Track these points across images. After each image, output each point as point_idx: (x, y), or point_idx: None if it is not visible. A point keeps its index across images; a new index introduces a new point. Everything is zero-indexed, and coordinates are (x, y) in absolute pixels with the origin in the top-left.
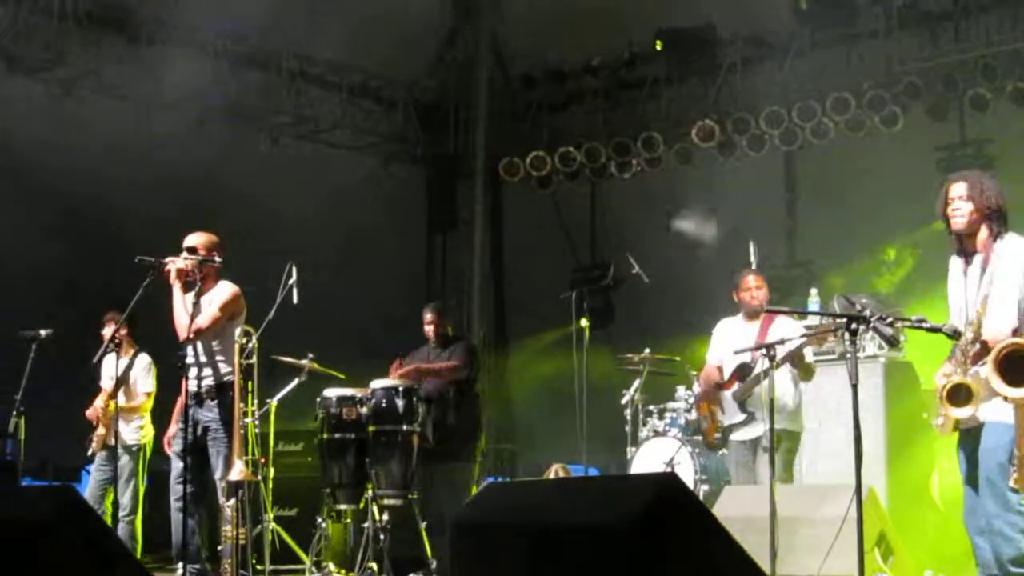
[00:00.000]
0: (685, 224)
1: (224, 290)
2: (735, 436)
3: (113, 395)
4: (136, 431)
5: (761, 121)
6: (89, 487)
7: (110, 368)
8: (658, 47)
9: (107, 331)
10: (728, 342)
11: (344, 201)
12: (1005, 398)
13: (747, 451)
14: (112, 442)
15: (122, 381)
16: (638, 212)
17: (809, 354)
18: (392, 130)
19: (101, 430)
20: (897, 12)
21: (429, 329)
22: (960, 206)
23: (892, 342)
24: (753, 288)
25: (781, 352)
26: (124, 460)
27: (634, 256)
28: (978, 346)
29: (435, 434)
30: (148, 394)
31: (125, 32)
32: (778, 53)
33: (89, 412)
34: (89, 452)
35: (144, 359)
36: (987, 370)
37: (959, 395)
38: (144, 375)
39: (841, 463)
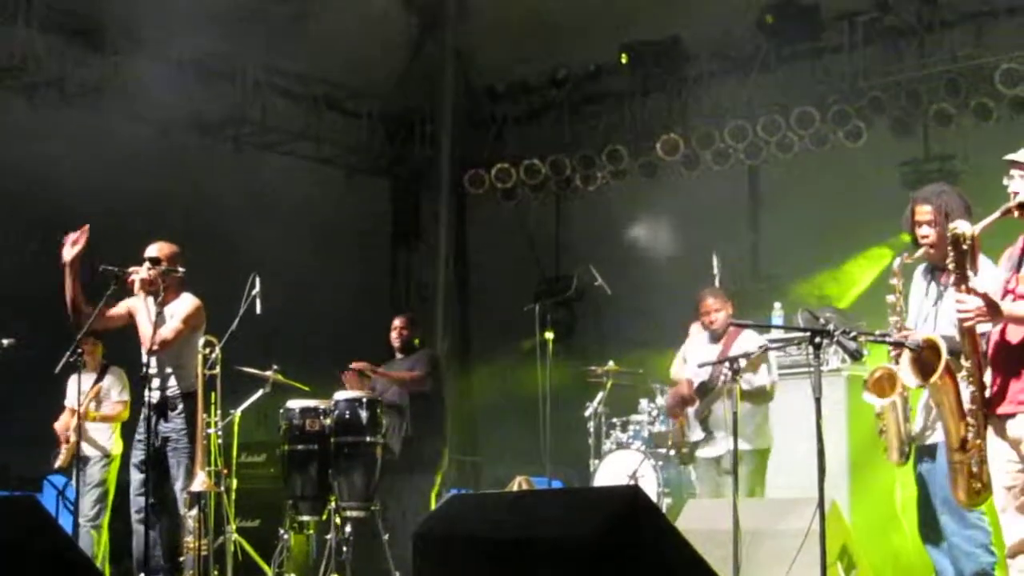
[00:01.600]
0: (649, 237)
1: (186, 302)
2: (700, 453)
3: (83, 408)
4: (108, 440)
5: (726, 135)
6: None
7: (76, 385)
8: (623, 60)
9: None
10: (695, 357)
11: (308, 212)
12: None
13: (712, 468)
14: (87, 453)
15: (93, 394)
16: (603, 225)
17: (757, 379)
18: (357, 141)
19: (73, 438)
20: (862, 27)
21: (394, 336)
22: (928, 232)
23: (856, 356)
24: (712, 311)
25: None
26: (95, 468)
27: (598, 269)
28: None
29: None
30: (124, 403)
31: (91, 40)
32: (743, 67)
33: (58, 426)
34: (56, 464)
35: (115, 371)
36: (902, 363)
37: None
38: (117, 386)
39: (803, 477)
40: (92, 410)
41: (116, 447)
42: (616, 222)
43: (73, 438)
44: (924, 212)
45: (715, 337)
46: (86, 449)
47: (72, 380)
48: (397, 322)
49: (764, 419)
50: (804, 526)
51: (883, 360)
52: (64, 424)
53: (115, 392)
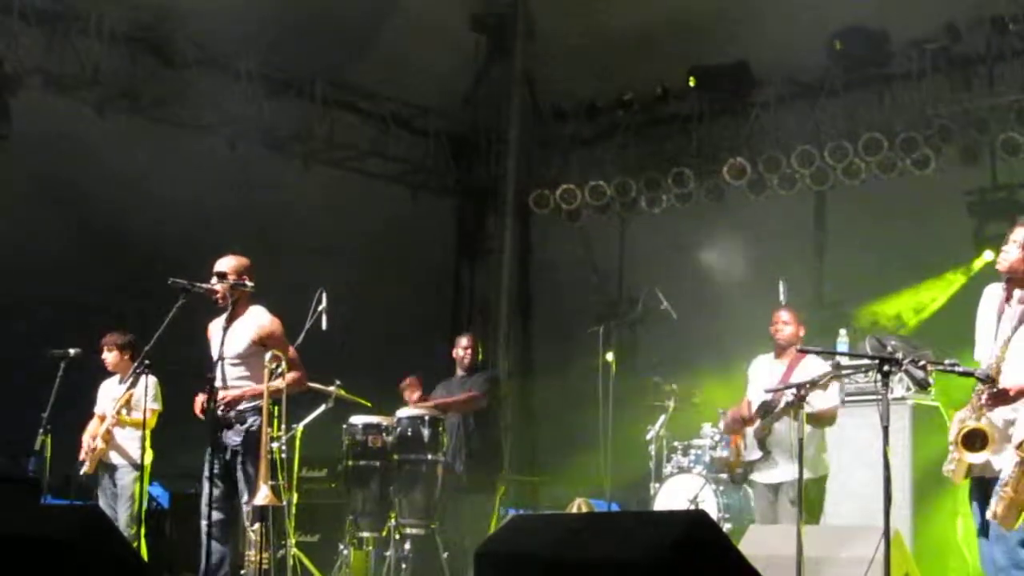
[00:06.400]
0: (714, 261)
1: (263, 319)
2: (757, 477)
3: (114, 415)
4: (137, 450)
5: (793, 160)
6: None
7: (109, 391)
8: (691, 83)
9: (107, 355)
10: (758, 379)
11: (374, 229)
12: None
13: (770, 494)
14: (114, 461)
15: (124, 401)
16: (667, 248)
17: (819, 401)
18: (423, 160)
19: (100, 444)
20: (931, 54)
21: (463, 354)
22: (1008, 249)
23: (923, 385)
24: (779, 323)
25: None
26: (127, 480)
27: (662, 292)
28: (995, 390)
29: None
30: (154, 411)
31: (161, 54)
32: (811, 92)
33: (88, 432)
34: (82, 471)
35: (150, 379)
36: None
37: (975, 440)
38: (150, 394)
39: (865, 505)
40: (124, 415)
41: (146, 457)
42: (681, 245)
43: (100, 445)
44: (1017, 232)
45: (780, 351)
46: (114, 457)
47: (103, 386)
48: (463, 341)
49: (821, 445)
50: (867, 554)
51: (946, 389)
52: (92, 431)
53: (144, 400)
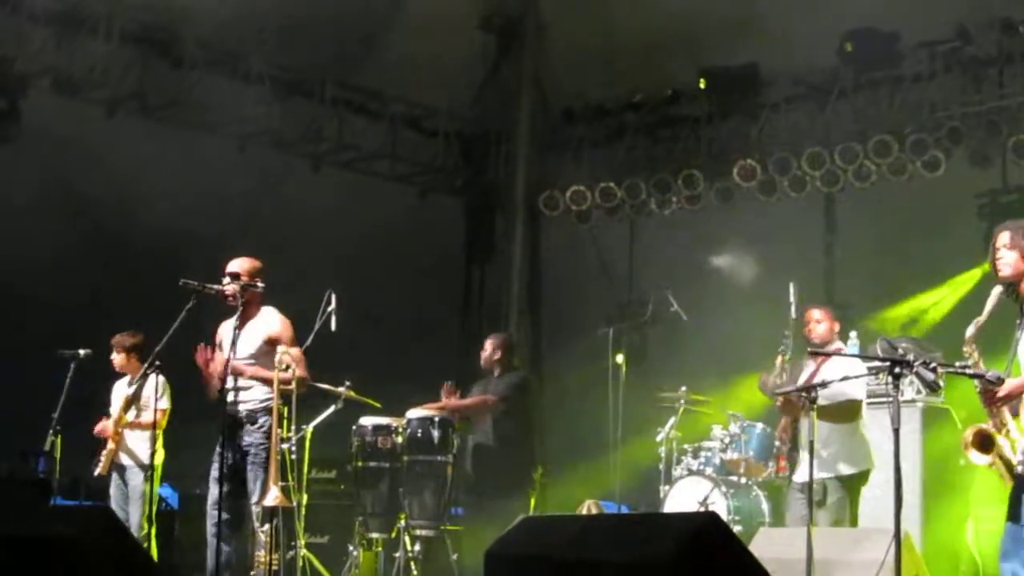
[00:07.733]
0: (724, 263)
1: (274, 320)
2: (795, 476)
3: (117, 415)
4: (148, 450)
5: (803, 162)
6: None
7: (120, 391)
8: (701, 85)
9: (115, 356)
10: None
11: (383, 230)
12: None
13: (800, 493)
14: (123, 461)
15: (135, 401)
16: (677, 249)
17: (836, 392)
18: (433, 161)
19: (111, 445)
20: (942, 56)
21: (483, 356)
22: (1004, 255)
23: (933, 387)
24: (812, 321)
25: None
26: (137, 480)
27: (672, 294)
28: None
29: (477, 467)
30: (163, 411)
31: (170, 55)
32: (821, 94)
33: (98, 429)
34: (96, 472)
35: (159, 378)
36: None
37: (986, 441)
38: (157, 393)
39: (875, 507)
40: (130, 419)
41: (158, 457)
42: (690, 247)
43: (111, 445)
44: (1003, 237)
45: (814, 354)
46: (124, 458)
47: (116, 386)
48: (488, 343)
49: (853, 439)
50: (878, 557)
51: (957, 391)
52: (101, 429)
53: (154, 400)
